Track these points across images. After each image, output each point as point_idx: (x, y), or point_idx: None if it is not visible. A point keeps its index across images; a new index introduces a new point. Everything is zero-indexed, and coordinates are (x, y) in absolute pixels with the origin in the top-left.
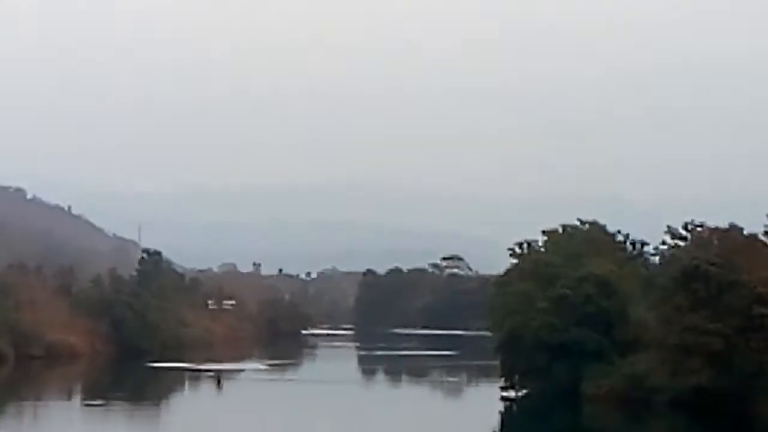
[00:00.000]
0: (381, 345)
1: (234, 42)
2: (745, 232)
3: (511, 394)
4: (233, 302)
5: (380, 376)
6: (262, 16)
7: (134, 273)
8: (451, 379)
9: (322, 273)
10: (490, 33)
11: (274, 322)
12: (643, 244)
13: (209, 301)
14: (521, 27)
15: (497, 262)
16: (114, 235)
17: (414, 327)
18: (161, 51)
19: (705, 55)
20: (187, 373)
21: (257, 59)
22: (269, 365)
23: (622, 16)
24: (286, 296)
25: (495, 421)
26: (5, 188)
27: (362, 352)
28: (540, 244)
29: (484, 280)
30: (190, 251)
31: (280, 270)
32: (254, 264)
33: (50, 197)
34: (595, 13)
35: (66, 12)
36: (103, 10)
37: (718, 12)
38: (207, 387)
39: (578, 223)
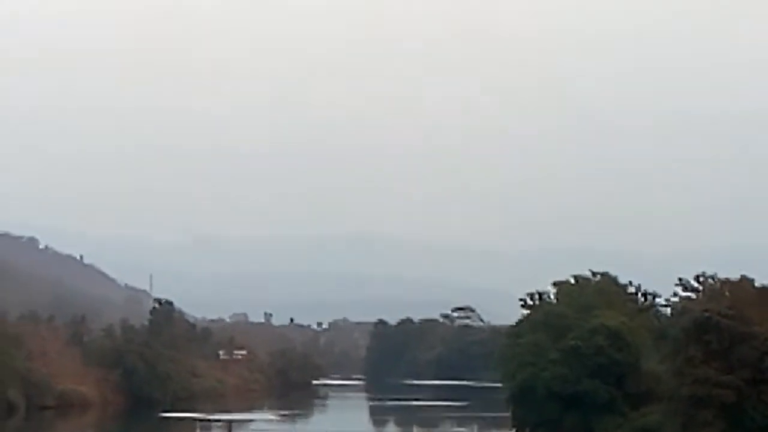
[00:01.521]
0: (392, 395)
1: (242, 90)
2: (756, 284)
3: None
4: (244, 352)
5: (391, 427)
6: (277, 63)
7: (146, 323)
8: (462, 430)
9: (333, 323)
10: (505, 81)
11: (285, 373)
12: (655, 296)
13: (220, 352)
14: (534, 75)
15: (508, 313)
16: (126, 284)
17: (425, 378)
18: (175, 100)
19: (719, 108)
20: (198, 423)
21: (265, 109)
22: (280, 415)
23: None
24: (297, 346)
25: None
26: (18, 238)
27: (373, 403)
28: (551, 295)
29: (495, 331)
30: (201, 301)
31: (291, 320)
32: (265, 314)
33: (62, 247)
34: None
35: (86, 61)
36: (121, 56)
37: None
38: None
39: (589, 275)
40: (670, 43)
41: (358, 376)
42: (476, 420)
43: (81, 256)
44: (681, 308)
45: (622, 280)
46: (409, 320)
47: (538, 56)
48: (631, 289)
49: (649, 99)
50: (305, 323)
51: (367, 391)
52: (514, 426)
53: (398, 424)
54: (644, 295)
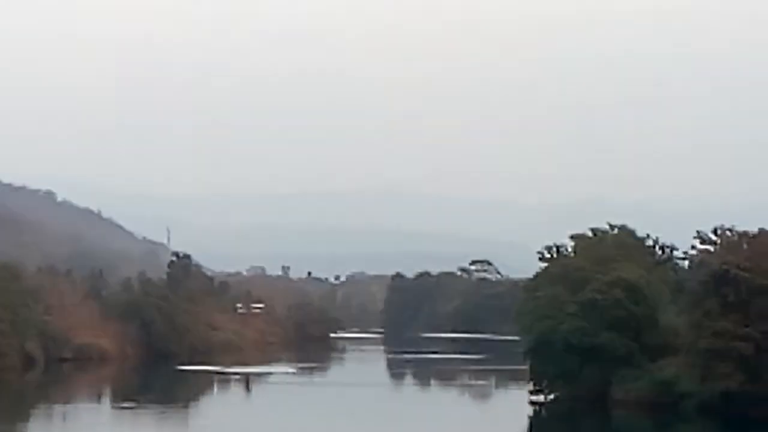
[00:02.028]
0: (409, 349)
1: (263, 50)
2: None
3: (540, 398)
4: (262, 306)
5: (409, 380)
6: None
7: (163, 276)
8: (479, 382)
9: (351, 276)
10: (511, 31)
11: (303, 326)
12: (673, 249)
13: (238, 305)
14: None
15: (527, 267)
16: (144, 238)
17: (442, 331)
18: (194, 56)
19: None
20: (216, 377)
21: (282, 70)
22: (298, 368)
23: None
24: (315, 300)
25: (524, 425)
26: (35, 191)
27: (391, 356)
28: (569, 248)
29: (513, 285)
30: (219, 254)
31: (309, 273)
32: (283, 267)
33: (80, 200)
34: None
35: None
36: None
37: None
38: (236, 390)
39: (608, 228)
40: None
41: (376, 330)
42: (494, 373)
43: (99, 210)
44: (699, 261)
45: (640, 234)
46: (426, 273)
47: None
48: (649, 242)
49: (671, 43)
50: (323, 277)
51: (384, 344)
52: (531, 379)
53: (416, 376)
54: (662, 248)
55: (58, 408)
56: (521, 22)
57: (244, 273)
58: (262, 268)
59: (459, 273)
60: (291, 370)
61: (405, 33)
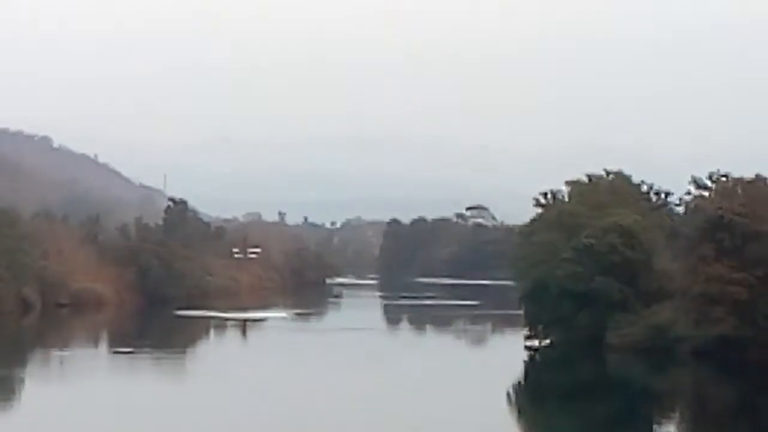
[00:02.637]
0: (405, 294)
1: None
2: None
3: (535, 343)
4: (258, 251)
5: (404, 325)
6: None
7: (160, 222)
8: (475, 328)
9: (346, 222)
10: None
11: (299, 272)
12: (668, 194)
13: (234, 250)
14: None
15: (522, 213)
16: (140, 184)
17: (438, 276)
18: (187, 12)
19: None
20: (213, 321)
21: (274, 18)
22: (294, 314)
23: None
24: (311, 245)
25: (519, 370)
26: (31, 136)
27: (386, 302)
28: (564, 194)
29: (508, 230)
30: (215, 200)
31: (305, 219)
32: (279, 213)
33: (76, 146)
34: None
35: None
36: None
37: None
38: (232, 335)
39: (603, 174)
40: None
41: (372, 275)
42: (490, 318)
43: (95, 155)
44: (694, 207)
45: (635, 179)
46: (422, 219)
47: None
48: (644, 188)
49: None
50: (319, 222)
51: (380, 290)
52: (526, 324)
53: (412, 322)
54: (657, 193)
55: (55, 353)
56: None
57: (241, 219)
58: (258, 214)
59: (455, 219)
60: (287, 315)
61: None
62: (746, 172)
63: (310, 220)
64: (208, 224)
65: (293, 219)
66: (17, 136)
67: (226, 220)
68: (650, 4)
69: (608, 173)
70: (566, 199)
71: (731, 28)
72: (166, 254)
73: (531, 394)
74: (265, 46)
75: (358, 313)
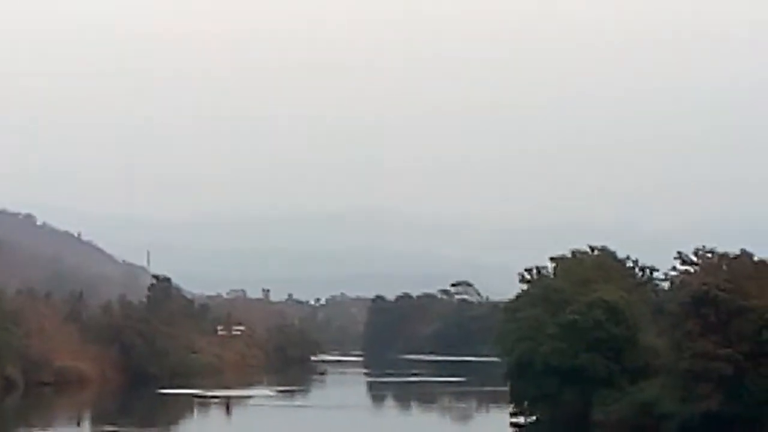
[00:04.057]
0: (390, 371)
1: (248, 68)
2: (755, 258)
3: (521, 420)
4: (242, 328)
5: (390, 402)
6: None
7: (144, 299)
8: (460, 405)
9: (331, 299)
10: (500, 52)
11: (283, 349)
12: (653, 270)
13: (218, 327)
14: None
15: (507, 289)
16: (123, 261)
17: (423, 353)
18: (174, 75)
19: (715, 84)
20: (197, 400)
21: (271, 87)
22: (278, 391)
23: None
24: (295, 322)
25: None
26: (15, 214)
27: (371, 378)
28: (549, 270)
29: (493, 306)
30: (199, 277)
31: (290, 296)
32: (263, 290)
33: (60, 223)
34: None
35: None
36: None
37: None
38: (216, 413)
39: (588, 249)
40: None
41: (357, 352)
42: (475, 394)
43: (79, 233)
44: (679, 282)
45: (620, 255)
46: (407, 295)
47: (533, 34)
48: (629, 264)
49: (646, 73)
50: (303, 299)
51: (365, 366)
52: (512, 401)
53: (397, 399)
54: (642, 269)
55: None
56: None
57: (225, 296)
58: (243, 291)
59: (440, 295)
60: (271, 393)
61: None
62: (731, 246)
63: (294, 296)
64: (192, 301)
65: (277, 296)
66: (1, 214)
67: (210, 297)
68: (625, 89)
69: (593, 249)
70: (551, 275)
71: (719, 102)
72: (150, 332)
73: None
74: (251, 124)
75: (343, 390)
